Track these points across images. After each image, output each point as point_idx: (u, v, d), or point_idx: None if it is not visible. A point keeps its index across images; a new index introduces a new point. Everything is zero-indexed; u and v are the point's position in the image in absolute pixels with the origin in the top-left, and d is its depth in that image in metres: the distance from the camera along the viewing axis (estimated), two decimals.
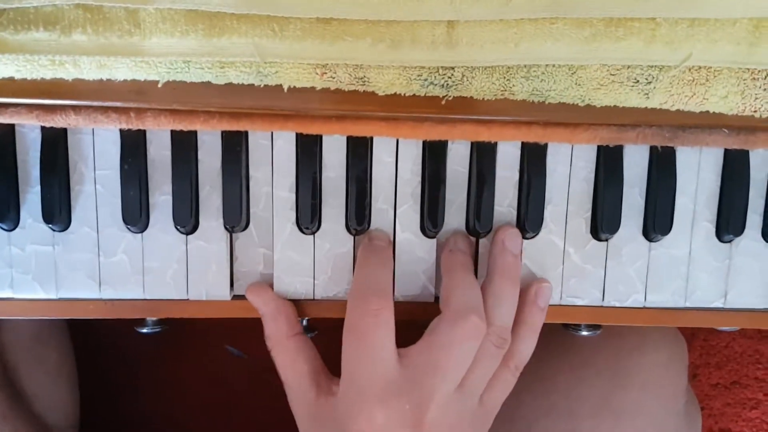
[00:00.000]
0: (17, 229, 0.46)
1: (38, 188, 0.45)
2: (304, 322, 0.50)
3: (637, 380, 0.58)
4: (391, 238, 0.47)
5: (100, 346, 0.78)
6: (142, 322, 0.49)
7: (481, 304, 0.44)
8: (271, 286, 0.47)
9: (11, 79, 0.41)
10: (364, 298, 0.43)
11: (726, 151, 0.47)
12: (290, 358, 0.46)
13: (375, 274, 0.44)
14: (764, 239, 0.48)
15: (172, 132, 0.45)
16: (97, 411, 0.76)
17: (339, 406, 0.44)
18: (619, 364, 0.58)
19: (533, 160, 0.46)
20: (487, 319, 0.43)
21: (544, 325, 0.48)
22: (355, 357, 0.43)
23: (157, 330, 0.49)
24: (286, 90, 0.42)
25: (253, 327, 0.77)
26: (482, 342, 0.43)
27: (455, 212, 0.47)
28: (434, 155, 0.46)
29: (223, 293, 0.47)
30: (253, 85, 0.42)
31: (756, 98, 0.43)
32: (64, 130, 0.45)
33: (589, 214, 0.47)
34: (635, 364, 0.58)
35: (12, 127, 0.45)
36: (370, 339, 0.42)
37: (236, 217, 0.45)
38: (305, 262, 0.47)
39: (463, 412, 0.44)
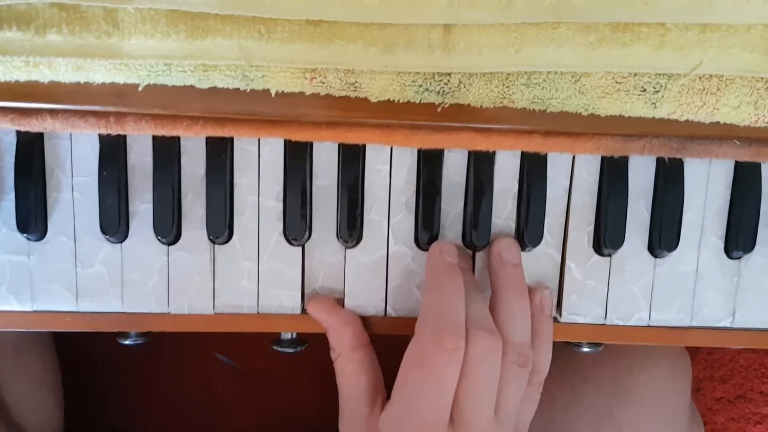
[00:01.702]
0: None
1: (13, 195, 0.43)
2: (294, 336, 0.48)
3: (639, 396, 0.57)
4: (458, 252, 0.44)
5: (86, 355, 0.77)
6: (125, 334, 0.47)
7: (487, 316, 0.42)
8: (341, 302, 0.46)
9: None
10: (440, 333, 0.40)
11: (737, 163, 0.45)
12: (354, 370, 0.44)
13: (450, 303, 0.42)
14: None
15: (154, 137, 0.43)
16: (82, 421, 0.75)
17: (385, 430, 0.42)
18: (620, 379, 0.57)
19: (533, 170, 0.44)
20: (502, 337, 0.42)
21: None
22: (419, 391, 0.41)
23: (140, 342, 0.47)
24: (273, 95, 0.41)
25: (243, 335, 0.75)
26: (504, 363, 0.42)
27: (451, 224, 0.45)
28: (429, 164, 0.44)
29: (206, 307, 0.45)
30: (238, 89, 0.40)
31: None
32: (41, 135, 0.43)
33: (591, 227, 0.45)
34: (636, 380, 0.57)
35: None
36: (439, 377, 0.40)
37: (221, 227, 0.43)
38: (292, 275, 0.45)
39: None
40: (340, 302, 0.46)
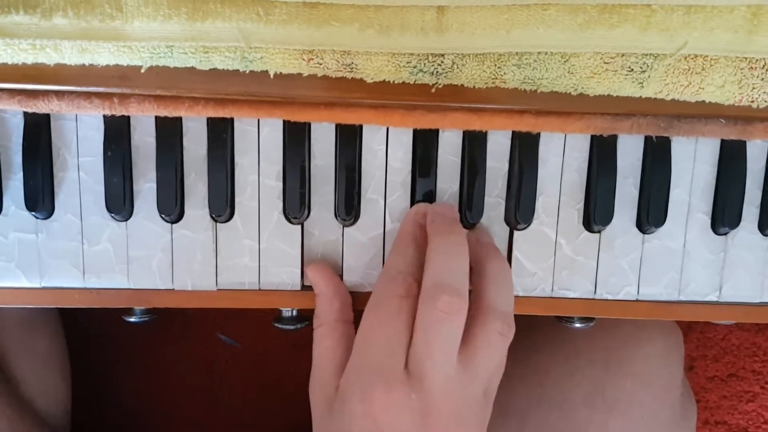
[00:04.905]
0: (0, 217, 0.45)
1: (21, 175, 0.44)
2: (294, 313, 0.49)
3: (632, 371, 0.57)
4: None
5: (92, 334, 0.78)
6: (130, 311, 0.48)
7: (456, 277, 0.42)
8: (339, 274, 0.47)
9: None
10: (393, 280, 0.42)
11: (722, 141, 0.46)
12: (333, 342, 0.45)
13: (407, 255, 0.44)
14: (761, 232, 0.47)
15: (157, 118, 0.44)
16: (89, 398, 0.76)
17: (344, 384, 0.42)
18: (613, 355, 0.58)
19: (525, 149, 0.45)
20: (488, 305, 0.42)
21: (537, 316, 0.48)
22: (373, 336, 0.42)
23: (145, 319, 0.48)
24: (272, 76, 0.42)
25: (245, 315, 0.77)
26: (487, 330, 0.42)
27: (447, 202, 0.46)
28: (425, 144, 0.45)
29: (209, 283, 0.46)
30: (238, 70, 0.41)
31: (753, 88, 0.42)
32: (47, 116, 0.44)
33: (581, 205, 0.46)
34: (630, 355, 0.58)
35: None
36: (392, 321, 0.41)
37: (222, 206, 0.45)
38: (292, 252, 0.46)
39: (469, 400, 0.42)
40: None
